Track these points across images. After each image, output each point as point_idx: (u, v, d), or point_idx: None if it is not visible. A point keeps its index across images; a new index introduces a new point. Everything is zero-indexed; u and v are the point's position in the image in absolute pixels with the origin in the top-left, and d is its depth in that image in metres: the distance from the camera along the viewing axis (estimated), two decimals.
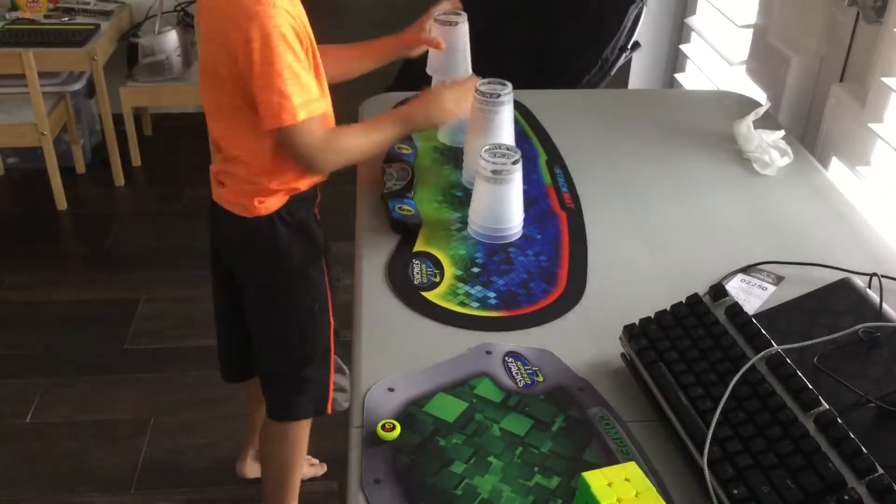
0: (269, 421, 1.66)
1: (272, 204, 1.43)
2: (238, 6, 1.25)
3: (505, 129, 1.39)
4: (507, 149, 1.28)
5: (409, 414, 0.98)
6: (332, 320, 1.56)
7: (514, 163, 1.25)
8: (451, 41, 1.54)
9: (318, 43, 1.39)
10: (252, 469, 1.98)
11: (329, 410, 1.62)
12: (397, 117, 1.42)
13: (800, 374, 0.92)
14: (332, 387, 1.60)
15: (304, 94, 1.28)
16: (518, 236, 1.31)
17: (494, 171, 1.24)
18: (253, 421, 1.88)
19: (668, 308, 1.06)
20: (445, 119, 1.44)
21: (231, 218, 1.45)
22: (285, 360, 1.57)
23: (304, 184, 1.45)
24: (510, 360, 1.07)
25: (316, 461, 2.05)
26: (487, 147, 1.27)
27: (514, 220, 1.29)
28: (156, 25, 3.21)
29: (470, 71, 1.57)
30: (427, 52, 1.57)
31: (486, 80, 1.40)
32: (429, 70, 1.58)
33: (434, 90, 1.47)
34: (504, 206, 1.28)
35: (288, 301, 1.52)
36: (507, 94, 1.38)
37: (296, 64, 1.26)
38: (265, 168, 1.41)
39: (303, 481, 1.84)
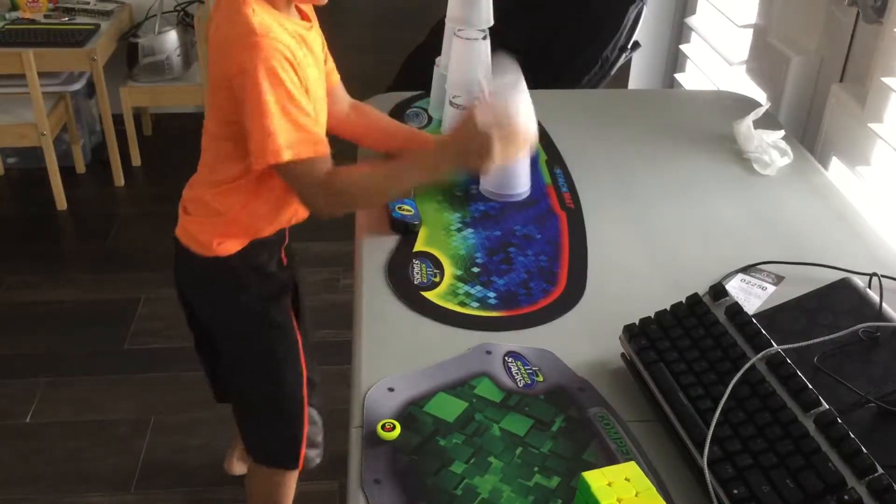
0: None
1: (231, 246, 1.36)
2: (234, 32, 1.18)
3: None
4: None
5: (409, 414, 0.98)
6: (304, 369, 1.48)
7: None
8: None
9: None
10: (238, 467, 1.96)
11: (300, 467, 1.55)
12: (422, 161, 1.27)
13: (800, 374, 0.92)
14: (304, 443, 1.52)
15: (294, 132, 1.18)
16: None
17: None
18: None
19: (668, 308, 1.06)
20: (487, 166, 1.17)
21: (187, 254, 1.38)
22: (253, 411, 1.52)
23: (269, 229, 1.38)
24: (510, 359, 1.07)
25: None
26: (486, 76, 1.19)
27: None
28: (156, 25, 3.21)
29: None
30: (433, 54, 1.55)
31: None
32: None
33: (473, 122, 1.15)
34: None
35: (249, 344, 1.45)
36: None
37: (286, 101, 1.17)
38: (236, 200, 1.33)
39: (301, 480, 1.83)
